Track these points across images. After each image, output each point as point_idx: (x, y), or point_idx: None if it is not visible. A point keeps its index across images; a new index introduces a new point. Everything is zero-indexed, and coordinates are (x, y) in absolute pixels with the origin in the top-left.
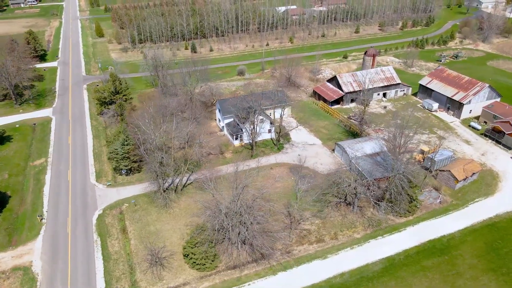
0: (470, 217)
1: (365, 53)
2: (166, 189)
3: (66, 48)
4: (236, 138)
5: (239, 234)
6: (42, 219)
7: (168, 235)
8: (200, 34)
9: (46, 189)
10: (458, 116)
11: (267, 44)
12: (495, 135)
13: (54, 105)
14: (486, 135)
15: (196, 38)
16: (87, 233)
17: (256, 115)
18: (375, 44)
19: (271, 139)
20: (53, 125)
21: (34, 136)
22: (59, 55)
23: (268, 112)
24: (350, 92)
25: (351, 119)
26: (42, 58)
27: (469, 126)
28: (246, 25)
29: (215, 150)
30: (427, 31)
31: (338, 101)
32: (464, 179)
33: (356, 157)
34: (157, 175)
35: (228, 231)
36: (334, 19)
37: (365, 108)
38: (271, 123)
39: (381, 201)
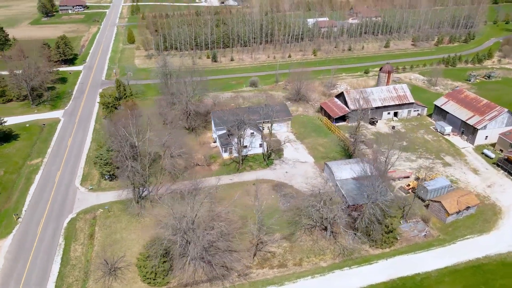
0: (455, 255)
1: (380, 70)
2: (142, 197)
3: (95, 53)
4: (226, 151)
5: (194, 250)
6: (18, 218)
7: (131, 245)
8: (223, 43)
9: (32, 189)
10: (472, 142)
11: (289, 56)
12: (507, 165)
13: (66, 107)
14: (498, 165)
15: (219, 47)
16: (54, 236)
17: (244, 129)
18: (403, 60)
19: (263, 153)
20: (59, 126)
21: (40, 136)
22: (87, 60)
23: (265, 126)
24: (356, 110)
25: (352, 137)
26: (71, 61)
27: (482, 153)
28: (270, 36)
29: (203, 162)
30: (464, 48)
31: (344, 118)
32: (457, 212)
33: (342, 179)
34: (132, 183)
35: (183, 246)
36: (365, 33)
37: (358, 126)
38: (262, 137)
39: (356, 229)
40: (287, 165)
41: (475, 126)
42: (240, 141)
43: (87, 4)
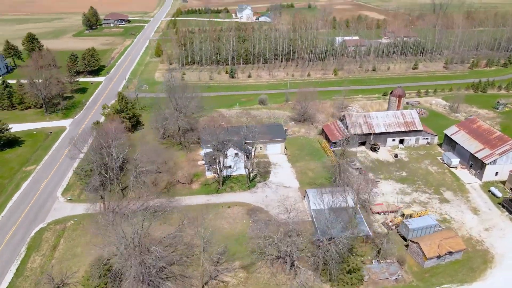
0: None
1: (390, 93)
2: (114, 211)
3: (121, 65)
4: (209, 170)
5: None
6: None
7: (88, 261)
8: (243, 60)
9: (17, 195)
10: (480, 178)
11: (309, 75)
12: None
13: (76, 117)
14: (503, 206)
15: (239, 63)
16: (18, 245)
17: (225, 149)
18: (429, 83)
19: (251, 174)
20: (63, 135)
21: (43, 143)
22: (111, 72)
23: (257, 146)
24: (358, 135)
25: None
26: (96, 72)
27: (489, 191)
28: (292, 53)
29: (184, 179)
30: (501, 72)
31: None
32: (438, 257)
33: (317, 209)
34: (101, 196)
35: (128, 268)
36: (393, 53)
37: (343, 151)
38: (247, 157)
39: (317, 266)
40: (269, 188)
41: (483, 160)
42: (220, 160)
43: (129, 18)
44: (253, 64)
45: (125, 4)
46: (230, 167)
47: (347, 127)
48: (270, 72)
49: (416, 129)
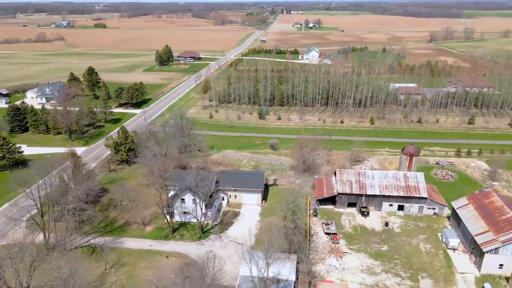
0: None
1: (402, 150)
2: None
3: (164, 100)
4: (168, 213)
5: None
6: None
7: None
8: (279, 101)
9: None
10: (479, 268)
11: (342, 122)
12: None
13: (92, 145)
14: None
15: (273, 104)
16: None
17: (176, 195)
18: (480, 142)
19: (207, 223)
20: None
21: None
22: (151, 105)
23: (232, 194)
24: (346, 194)
25: (323, 226)
26: (139, 105)
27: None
28: (332, 98)
29: (140, 220)
30: None
31: (333, 201)
32: None
33: (244, 276)
34: (42, 230)
35: None
36: (450, 103)
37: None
38: (206, 206)
39: None
40: (220, 243)
41: (482, 247)
42: (170, 205)
43: (201, 56)
44: (290, 106)
45: (209, 43)
46: (187, 213)
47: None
48: (302, 116)
49: (419, 196)
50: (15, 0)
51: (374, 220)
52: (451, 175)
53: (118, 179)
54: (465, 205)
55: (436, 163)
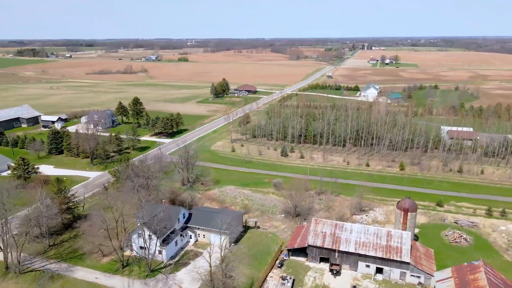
0: None
1: (397, 205)
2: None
3: (198, 131)
4: (127, 246)
5: None
6: None
7: None
8: (308, 138)
9: None
10: None
11: (367, 165)
12: None
13: (106, 171)
14: None
15: (303, 141)
16: None
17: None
18: None
19: (161, 261)
20: (78, 184)
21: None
22: (182, 136)
23: (200, 233)
24: (317, 247)
25: (280, 281)
26: (172, 134)
27: None
28: (364, 138)
29: (99, 250)
30: None
31: (306, 253)
32: None
33: None
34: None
35: None
36: (505, 153)
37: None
38: (163, 242)
39: None
40: (163, 284)
41: None
42: (121, 239)
43: (257, 90)
44: (319, 144)
45: (275, 77)
46: (143, 248)
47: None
48: (326, 156)
49: (399, 260)
50: (124, 37)
51: (343, 282)
52: (465, 239)
53: (105, 205)
54: (447, 278)
55: (455, 222)
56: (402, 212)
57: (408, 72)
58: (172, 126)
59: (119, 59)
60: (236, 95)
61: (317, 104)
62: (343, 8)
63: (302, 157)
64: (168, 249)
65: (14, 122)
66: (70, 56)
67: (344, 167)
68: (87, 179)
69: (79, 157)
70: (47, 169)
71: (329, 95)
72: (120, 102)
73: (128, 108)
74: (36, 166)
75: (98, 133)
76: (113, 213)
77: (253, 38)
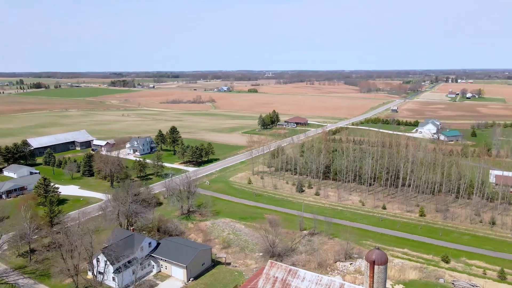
0: None
1: (365, 256)
2: None
3: (227, 160)
4: (90, 270)
5: None
6: None
7: None
8: (330, 174)
9: None
10: None
11: (384, 207)
12: None
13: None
14: None
15: (323, 177)
16: None
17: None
18: None
19: None
20: (89, 205)
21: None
22: (209, 165)
23: (163, 264)
24: None
25: None
26: (200, 163)
27: None
28: (390, 178)
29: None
30: None
31: None
32: None
33: None
34: None
35: None
36: None
37: None
38: (118, 269)
39: None
40: None
41: None
42: (76, 264)
43: (309, 122)
44: (343, 182)
45: (335, 110)
46: (101, 273)
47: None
48: (341, 194)
49: None
50: (209, 69)
51: None
52: None
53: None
54: None
55: (452, 282)
56: (369, 265)
57: (489, 107)
58: (201, 155)
59: (194, 89)
60: (284, 126)
61: (363, 139)
62: (429, 37)
63: (317, 194)
64: (121, 277)
65: (69, 145)
66: (153, 87)
67: (356, 208)
68: (101, 201)
69: (105, 179)
70: (72, 190)
71: (380, 130)
72: (160, 130)
73: (166, 136)
74: (56, 186)
75: (128, 158)
76: (81, 236)
77: (332, 70)
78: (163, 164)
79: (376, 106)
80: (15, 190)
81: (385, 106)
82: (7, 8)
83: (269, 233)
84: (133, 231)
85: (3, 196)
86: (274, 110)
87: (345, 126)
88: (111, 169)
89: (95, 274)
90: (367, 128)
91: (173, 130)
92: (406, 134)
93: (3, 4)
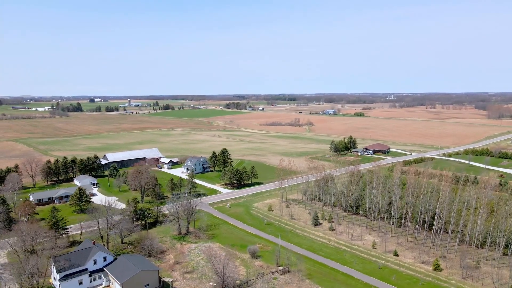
0: None
1: None
2: None
3: (266, 186)
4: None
5: None
6: None
7: None
8: (358, 209)
9: None
10: None
11: (396, 254)
12: None
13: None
14: None
15: (352, 212)
16: None
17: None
18: None
19: None
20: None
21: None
22: (247, 188)
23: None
24: None
25: None
26: (241, 187)
27: None
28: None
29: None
30: None
31: None
32: None
33: None
34: None
35: None
36: None
37: None
38: (63, 277)
39: None
40: None
41: None
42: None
43: (390, 150)
44: (368, 218)
45: (441, 137)
46: (55, 279)
47: None
48: (359, 232)
49: None
50: (331, 92)
51: None
52: None
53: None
54: None
55: None
56: None
57: None
58: (241, 178)
59: (299, 112)
60: (359, 153)
61: (435, 173)
62: None
63: (331, 229)
64: (66, 285)
65: (140, 161)
66: (262, 109)
67: (363, 250)
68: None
69: (145, 194)
70: (109, 200)
71: (470, 162)
72: (214, 152)
73: (217, 157)
74: (90, 196)
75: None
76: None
77: (469, 93)
78: (204, 184)
79: (495, 135)
80: (66, 196)
81: (508, 135)
82: (154, 47)
83: (215, 264)
84: (94, 243)
85: (56, 200)
86: (350, 136)
87: (432, 156)
88: (142, 184)
89: (52, 280)
90: (456, 160)
91: (224, 152)
92: (501, 169)
93: (150, 42)
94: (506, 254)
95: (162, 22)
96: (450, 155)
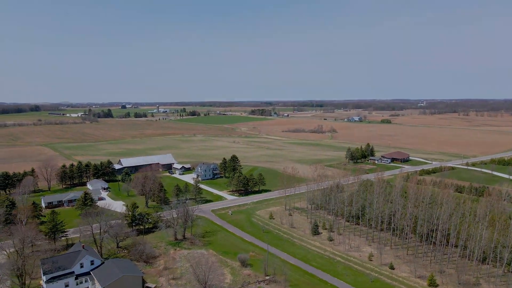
0: None
1: None
2: None
3: (273, 193)
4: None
5: None
6: None
7: None
8: (362, 220)
9: None
10: None
11: (391, 267)
12: None
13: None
14: None
15: (356, 222)
16: None
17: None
18: None
19: None
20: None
21: None
22: (253, 195)
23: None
24: None
25: None
26: (248, 194)
27: None
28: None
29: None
30: None
31: None
32: None
33: None
34: None
35: None
36: None
37: None
38: (49, 280)
39: None
40: None
41: None
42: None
43: (410, 158)
44: (373, 230)
45: (466, 146)
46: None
47: None
48: (357, 243)
49: None
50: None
51: None
52: None
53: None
54: None
55: None
56: None
57: None
58: (247, 185)
59: (324, 119)
60: (375, 161)
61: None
62: None
63: (330, 239)
64: (52, 287)
65: (153, 166)
66: (287, 115)
67: (358, 262)
68: None
69: (150, 199)
70: (116, 205)
71: (493, 172)
72: (224, 158)
73: (227, 164)
74: (96, 200)
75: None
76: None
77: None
78: (211, 190)
79: None
80: (75, 200)
81: None
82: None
83: (196, 271)
84: (83, 247)
85: (65, 204)
86: (368, 143)
87: (453, 165)
88: (146, 189)
89: (42, 281)
90: (479, 169)
91: (234, 158)
92: None
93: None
94: (511, 271)
95: (205, 32)
96: (474, 164)
